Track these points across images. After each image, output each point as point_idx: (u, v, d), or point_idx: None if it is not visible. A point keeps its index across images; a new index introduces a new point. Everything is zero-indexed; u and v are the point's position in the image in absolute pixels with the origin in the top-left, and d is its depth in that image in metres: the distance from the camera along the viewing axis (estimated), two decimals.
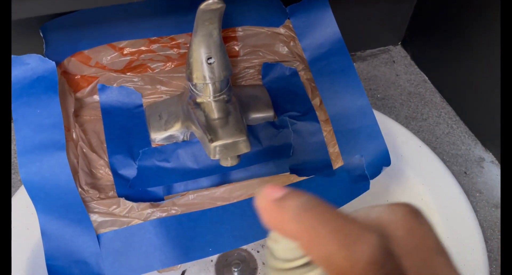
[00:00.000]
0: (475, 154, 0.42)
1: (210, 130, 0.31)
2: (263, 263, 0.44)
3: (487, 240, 0.35)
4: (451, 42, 0.45)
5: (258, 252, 0.45)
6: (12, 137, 0.41)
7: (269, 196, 0.15)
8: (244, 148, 0.31)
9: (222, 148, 0.30)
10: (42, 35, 0.33)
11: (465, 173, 0.40)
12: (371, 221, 0.15)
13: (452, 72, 0.45)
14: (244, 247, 0.46)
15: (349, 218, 0.14)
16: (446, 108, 0.45)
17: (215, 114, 0.32)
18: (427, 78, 0.49)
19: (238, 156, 0.32)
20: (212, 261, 0.44)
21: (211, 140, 0.30)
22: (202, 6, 0.25)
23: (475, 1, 0.40)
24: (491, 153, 0.42)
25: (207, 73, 0.32)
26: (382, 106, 0.45)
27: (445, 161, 0.39)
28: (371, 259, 0.13)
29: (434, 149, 0.40)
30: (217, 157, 0.31)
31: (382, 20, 0.49)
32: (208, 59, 0.31)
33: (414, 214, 0.15)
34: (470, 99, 0.43)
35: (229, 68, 0.33)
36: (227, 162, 0.32)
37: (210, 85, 0.32)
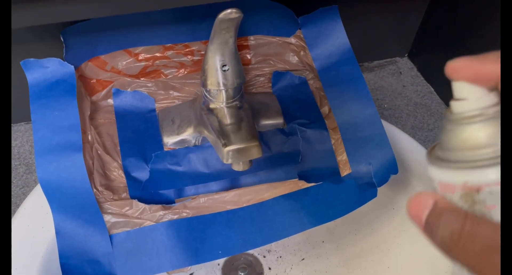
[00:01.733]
0: None
1: (224, 135, 0.32)
2: (269, 268, 0.45)
3: None
4: (457, 55, 0.46)
5: (264, 257, 0.46)
6: (12, 139, 0.42)
7: (466, 58, 0.17)
8: (256, 153, 0.31)
9: (235, 153, 0.31)
10: (62, 40, 0.34)
11: None
12: None
13: None
14: (251, 251, 0.46)
15: None
16: None
17: (228, 119, 0.33)
18: (433, 89, 0.49)
19: (250, 161, 0.33)
20: (219, 264, 0.45)
21: (225, 145, 0.31)
22: (221, 15, 0.26)
23: (480, 15, 0.41)
24: None
25: (221, 80, 0.33)
26: (389, 116, 0.46)
27: None
28: None
29: None
30: (230, 161, 0.31)
31: (389, 32, 0.50)
32: (223, 66, 0.32)
33: None
34: None
35: (243, 76, 0.34)
36: (239, 167, 0.32)
37: (223, 92, 0.33)
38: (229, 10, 0.26)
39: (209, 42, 0.31)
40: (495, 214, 0.16)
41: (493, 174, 0.16)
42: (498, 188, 0.16)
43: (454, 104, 0.18)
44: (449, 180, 0.17)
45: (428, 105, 0.48)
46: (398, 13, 0.48)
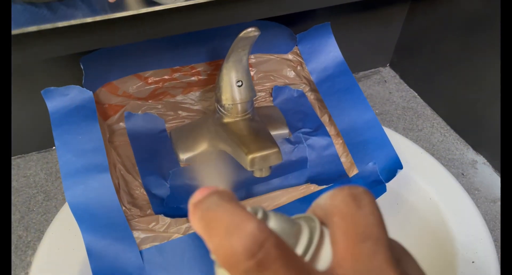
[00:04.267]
0: (468, 158, 0.46)
1: (244, 145, 0.34)
2: None
3: (490, 231, 0.39)
4: (434, 60, 0.51)
5: None
6: (26, 169, 0.43)
7: (192, 200, 0.15)
8: (276, 159, 0.34)
9: (258, 160, 0.33)
10: (82, 67, 0.36)
11: (462, 174, 0.45)
12: (317, 207, 0.16)
13: (438, 87, 0.51)
14: None
15: (238, 207, 0.14)
16: (437, 119, 0.51)
17: (245, 131, 0.36)
18: (416, 94, 0.54)
19: (270, 167, 0.35)
20: None
21: (248, 153, 0.33)
22: (242, 34, 0.29)
23: (451, 25, 0.46)
24: (482, 156, 0.47)
25: (236, 95, 0.35)
26: (381, 120, 0.50)
27: (443, 165, 0.44)
28: (245, 247, 0.12)
29: (432, 155, 0.45)
30: (253, 168, 0.34)
31: (371, 45, 0.55)
32: (238, 82, 0.35)
33: (353, 197, 0.14)
34: (457, 110, 0.49)
35: (254, 90, 0.37)
36: (261, 173, 0.35)
37: (239, 105, 0.36)
38: (249, 29, 0.29)
39: (225, 60, 0.34)
40: None
41: None
42: None
43: None
44: None
45: (415, 108, 0.52)
46: (378, 28, 0.52)
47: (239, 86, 0.35)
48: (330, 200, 0.15)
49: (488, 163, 0.46)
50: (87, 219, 0.33)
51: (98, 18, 0.27)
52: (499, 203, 0.42)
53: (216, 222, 0.14)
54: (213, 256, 0.14)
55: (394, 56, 0.57)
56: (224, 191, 0.15)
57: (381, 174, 0.39)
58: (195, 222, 0.14)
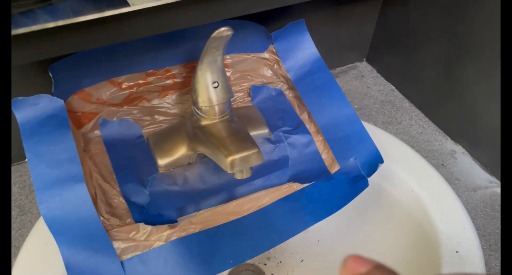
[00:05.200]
0: (447, 148, 0.47)
1: (223, 147, 0.34)
2: None
3: (472, 219, 0.40)
4: (409, 54, 0.51)
5: (265, 265, 0.47)
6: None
7: (354, 270, 0.15)
8: (256, 159, 0.33)
9: (238, 161, 0.33)
10: (51, 75, 0.35)
11: (442, 164, 0.45)
12: None
13: (415, 79, 0.51)
14: (251, 261, 0.47)
15: None
16: (415, 112, 0.51)
17: (223, 132, 0.35)
18: (394, 87, 0.54)
19: (251, 168, 0.35)
20: None
21: (227, 155, 0.33)
22: (214, 34, 0.29)
23: (425, 17, 0.47)
24: (460, 146, 0.47)
25: (213, 96, 0.35)
26: (360, 115, 0.50)
27: (423, 156, 0.44)
28: None
29: (412, 147, 0.45)
30: (233, 170, 0.33)
31: (347, 41, 0.55)
32: (213, 83, 0.34)
33: None
34: (434, 102, 0.49)
35: (231, 91, 0.36)
36: (242, 175, 0.34)
37: (216, 107, 0.35)
38: (222, 28, 0.28)
39: (199, 62, 0.33)
40: None
41: None
42: None
43: None
44: None
45: (393, 102, 0.52)
46: (353, 23, 0.52)
47: (215, 87, 0.34)
48: None
49: (466, 152, 0.46)
50: (64, 232, 0.32)
51: (61, 22, 0.25)
52: (479, 191, 0.43)
53: None
54: None
55: (371, 51, 0.57)
56: (389, 268, 0.14)
57: (363, 169, 0.39)
58: None
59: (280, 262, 0.47)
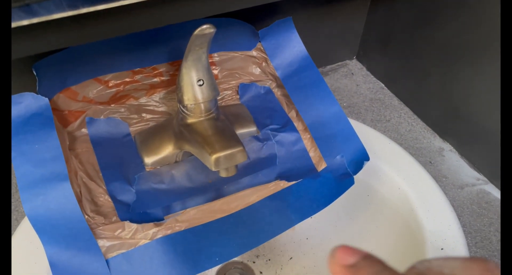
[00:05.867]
0: (435, 146, 0.47)
1: (208, 145, 0.34)
2: (260, 272, 0.46)
3: (459, 216, 0.40)
4: (398, 51, 0.51)
5: (254, 262, 0.47)
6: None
7: (343, 261, 0.15)
8: (241, 157, 0.33)
9: (222, 159, 0.33)
10: (35, 73, 0.34)
11: (430, 162, 0.45)
12: (446, 268, 0.15)
13: (404, 77, 0.51)
14: (240, 259, 0.47)
15: None
16: (404, 109, 0.51)
17: (209, 131, 0.35)
18: (383, 85, 0.54)
19: (236, 166, 0.35)
20: None
21: (211, 153, 0.33)
22: (196, 31, 0.29)
23: (414, 15, 0.47)
24: (448, 143, 0.47)
25: (198, 94, 0.35)
26: (349, 113, 0.50)
27: (411, 154, 0.44)
28: None
29: (400, 144, 0.45)
30: (218, 168, 0.33)
31: (337, 39, 0.55)
32: (198, 81, 0.34)
33: (492, 272, 0.14)
34: (423, 100, 0.49)
35: (217, 89, 0.36)
36: (227, 173, 0.34)
37: (201, 105, 0.35)
38: (204, 26, 0.28)
39: (183, 60, 0.33)
40: None
41: None
42: None
43: None
44: None
45: (382, 99, 0.52)
46: (342, 20, 0.52)
47: (200, 85, 0.34)
48: (465, 272, 0.14)
49: (454, 150, 0.47)
50: (49, 231, 0.32)
51: (39, 19, 0.25)
52: (466, 188, 0.43)
53: None
54: None
55: (360, 49, 0.57)
56: (377, 258, 0.14)
57: (349, 167, 0.39)
58: None
59: (269, 259, 0.47)
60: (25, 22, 0.27)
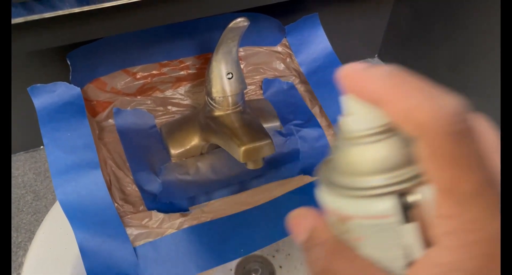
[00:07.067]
0: None
1: (236, 137, 0.34)
2: (280, 267, 0.47)
3: None
4: (421, 50, 0.51)
5: (273, 257, 0.47)
6: (14, 169, 0.42)
7: (354, 66, 0.14)
8: (269, 150, 0.34)
9: (251, 151, 0.33)
10: (69, 63, 0.35)
11: None
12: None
13: (425, 76, 0.51)
14: (259, 253, 0.48)
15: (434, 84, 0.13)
16: None
17: (236, 123, 0.36)
18: None
19: (263, 159, 0.35)
20: (231, 270, 0.46)
21: (240, 145, 0.33)
22: (231, 24, 0.29)
23: (439, 13, 0.47)
24: None
25: (227, 87, 0.35)
26: None
27: None
28: (455, 110, 0.12)
29: None
30: (246, 160, 0.33)
31: (359, 36, 0.55)
32: (228, 74, 0.35)
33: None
34: None
35: (245, 82, 0.36)
36: (254, 165, 0.35)
37: (229, 98, 0.36)
38: (238, 19, 0.29)
39: (214, 52, 0.33)
40: (361, 247, 0.15)
41: (362, 207, 0.14)
42: (367, 221, 0.14)
43: (341, 120, 0.15)
44: (325, 202, 0.16)
45: None
46: (365, 18, 0.52)
47: (229, 78, 0.35)
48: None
49: None
50: (79, 217, 0.33)
51: (86, 8, 0.26)
52: None
53: (408, 85, 0.13)
54: (383, 123, 0.14)
55: (382, 47, 0.57)
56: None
57: None
58: (370, 83, 0.13)
59: (289, 254, 0.47)
60: (62, 12, 0.27)
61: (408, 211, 0.14)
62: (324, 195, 0.16)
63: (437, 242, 0.13)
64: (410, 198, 0.13)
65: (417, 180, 0.13)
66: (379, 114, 0.14)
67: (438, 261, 0.13)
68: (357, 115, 0.14)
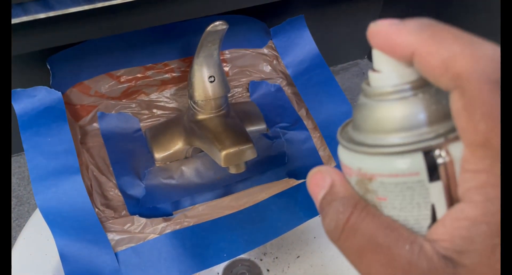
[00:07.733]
0: None
1: (218, 141, 0.34)
2: (268, 270, 0.46)
3: None
4: None
5: (261, 260, 0.47)
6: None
7: (384, 22, 0.14)
8: (251, 154, 0.33)
9: (232, 156, 0.33)
10: (49, 67, 0.35)
11: None
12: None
13: None
14: (247, 256, 0.47)
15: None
16: None
17: (219, 127, 0.35)
18: None
19: (245, 163, 0.35)
20: (218, 273, 0.46)
21: (221, 150, 0.33)
22: (209, 28, 0.29)
23: (427, 14, 0.46)
24: None
25: (209, 91, 0.35)
26: None
27: None
28: (495, 58, 0.12)
29: None
30: (227, 164, 0.33)
31: (348, 38, 0.54)
32: (210, 77, 0.34)
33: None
34: None
35: (228, 85, 0.36)
36: (236, 169, 0.34)
37: (212, 101, 0.35)
38: (216, 22, 0.28)
39: (195, 56, 0.33)
40: (385, 207, 0.15)
41: (387, 165, 0.14)
42: (391, 179, 0.14)
43: (370, 76, 0.15)
44: (347, 163, 0.15)
45: None
46: (354, 20, 0.52)
47: (211, 81, 0.34)
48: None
49: None
50: (59, 223, 0.32)
51: (65, 11, 0.26)
52: None
53: (445, 35, 0.13)
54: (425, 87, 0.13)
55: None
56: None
57: None
58: (403, 36, 0.13)
59: (276, 257, 0.47)
60: (42, 16, 0.27)
61: (434, 170, 0.13)
62: (345, 155, 0.16)
63: (463, 198, 0.13)
64: (437, 156, 0.13)
65: (444, 138, 0.13)
66: (407, 70, 0.14)
67: (463, 215, 0.13)
68: (385, 72, 0.14)
